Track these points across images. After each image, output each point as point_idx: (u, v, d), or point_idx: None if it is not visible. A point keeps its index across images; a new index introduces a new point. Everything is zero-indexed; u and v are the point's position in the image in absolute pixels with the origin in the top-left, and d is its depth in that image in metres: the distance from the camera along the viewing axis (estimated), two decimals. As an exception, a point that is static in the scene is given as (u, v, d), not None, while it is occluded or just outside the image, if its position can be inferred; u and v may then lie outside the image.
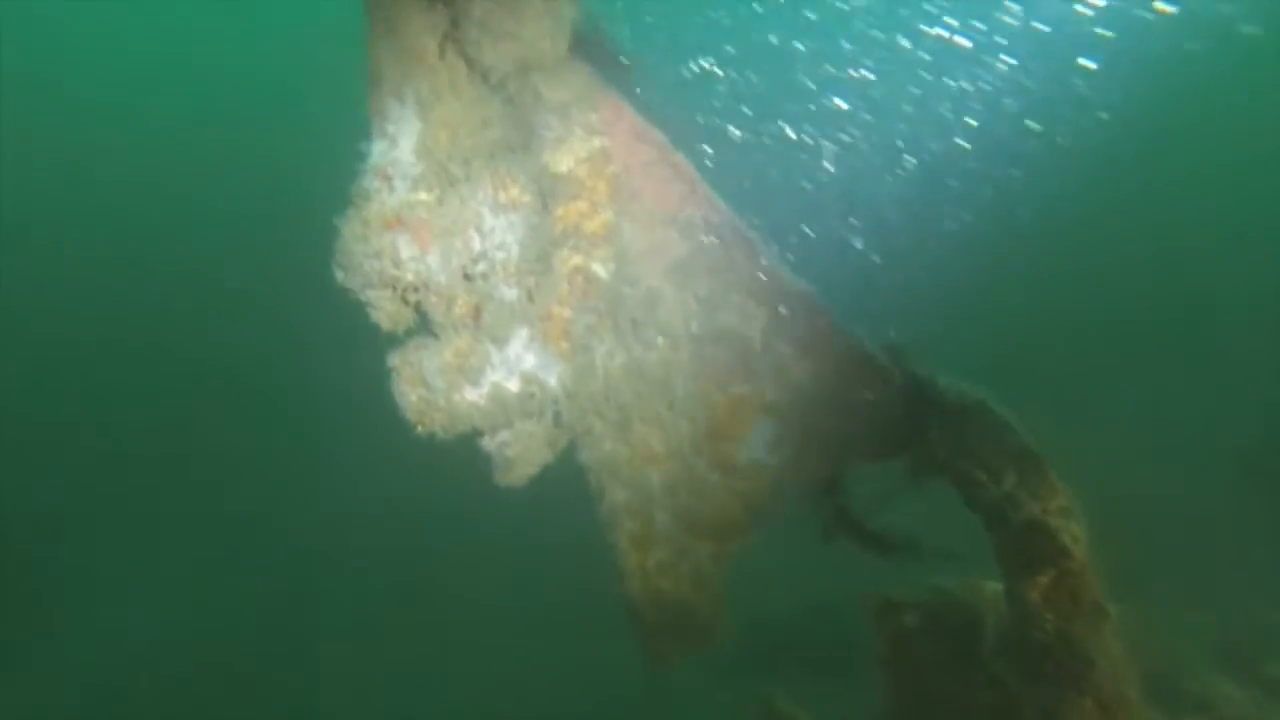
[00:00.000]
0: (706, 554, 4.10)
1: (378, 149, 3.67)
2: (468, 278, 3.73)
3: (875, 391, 4.07)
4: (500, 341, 3.77)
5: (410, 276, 3.63)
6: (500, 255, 3.76)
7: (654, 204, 3.92)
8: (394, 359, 3.75)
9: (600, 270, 3.83)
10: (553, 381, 3.84)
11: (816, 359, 4.03)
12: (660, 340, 3.97)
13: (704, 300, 3.97)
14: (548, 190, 3.81)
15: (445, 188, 3.70)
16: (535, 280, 3.79)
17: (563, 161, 3.76)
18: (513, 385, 3.77)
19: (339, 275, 3.69)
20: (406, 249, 3.62)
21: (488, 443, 3.85)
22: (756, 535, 4.17)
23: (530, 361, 3.81)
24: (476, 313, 3.77)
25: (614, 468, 4.06)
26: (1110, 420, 14.66)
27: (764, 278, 3.92)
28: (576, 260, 3.80)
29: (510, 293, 3.77)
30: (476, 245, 3.70)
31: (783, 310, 3.96)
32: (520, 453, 3.84)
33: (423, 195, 3.65)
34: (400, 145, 3.67)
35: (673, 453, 4.06)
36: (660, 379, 4.00)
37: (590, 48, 3.86)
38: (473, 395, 3.73)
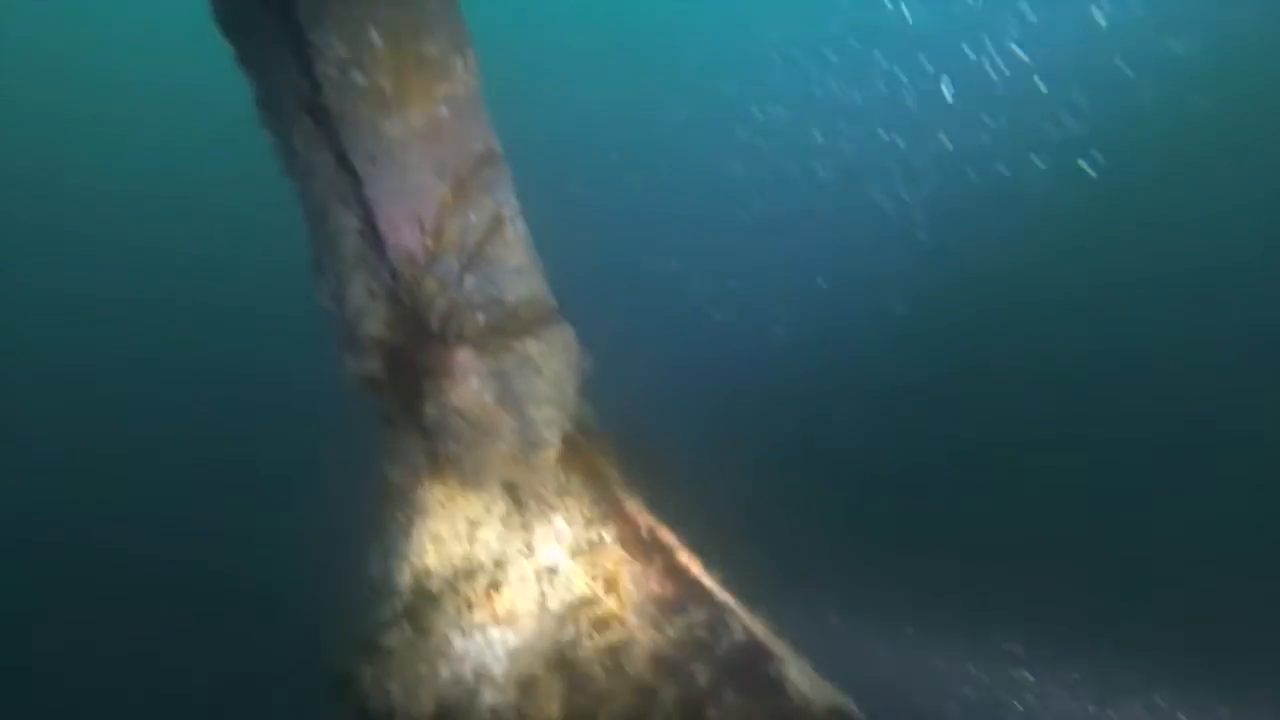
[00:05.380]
0: None
1: (373, 562, 3.87)
2: (440, 701, 3.76)
3: None
4: None
5: (373, 704, 3.67)
6: (476, 674, 3.81)
7: (661, 600, 4.08)
8: None
9: (607, 666, 4.00)
10: None
11: None
12: None
13: (720, 706, 3.88)
14: (552, 588, 4.06)
15: (423, 607, 3.78)
16: (524, 688, 3.90)
17: (568, 559, 4.05)
18: None
19: None
20: (368, 679, 3.68)
21: None
22: None
23: None
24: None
25: None
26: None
27: (789, 689, 3.81)
28: (582, 657, 3.99)
29: (491, 705, 3.83)
30: (444, 672, 3.76)
31: None
32: None
33: (395, 623, 3.74)
34: (390, 560, 3.83)
35: None
36: None
37: (588, 448, 4.07)
38: None
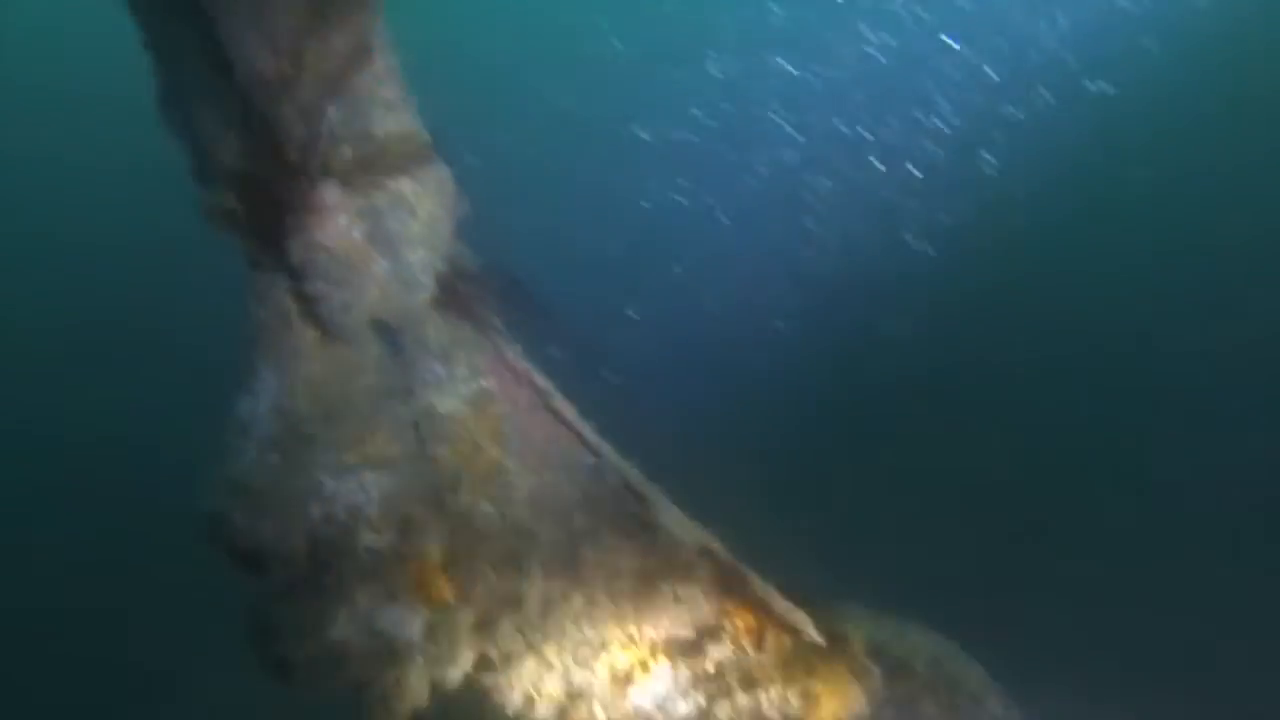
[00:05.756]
0: None
1: (242, 404, 3.64)
2: (313, 540, 3.69)
3: (786, 649, 4.05)
4: (347, 599, 3.76)
5: (243, 543, 3.58)
6: (350, 514, 3.75)
7: (539, 446, 4.06)
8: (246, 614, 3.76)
9: (486, 509, 4.00)
10: (413, 632, 3.84)
11: (724, 610, 4.06)
12: (546, 581, 4.02)
13: (598, 549, 4.01)
14: (430, 432, 3.93)
15: (295, 448, 3.64)
16: (402, 529, 3.87)
17: (447, 403, 3.96)
18: (362, 639, 3.76)
19: None
20: (241, 518, 3.57)
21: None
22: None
23: (385, 617, 3.81)
24: (324, 570, 3.74)
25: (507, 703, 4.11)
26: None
27: (661, 530, 3.96)
28: (462, 500, 3.97)
29: (367, 545, 3.80)
30: (316, 512, 3.67)
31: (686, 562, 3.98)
32: (389, 697, 3.84)
33: (265, 463, 3.60)
34: (261, 402, 3.62)
35: (571, 693, 4.10)
36: (540, 615, 4.02)
37: (465, 292, 3.95)
38: (316, 649, 3.72)
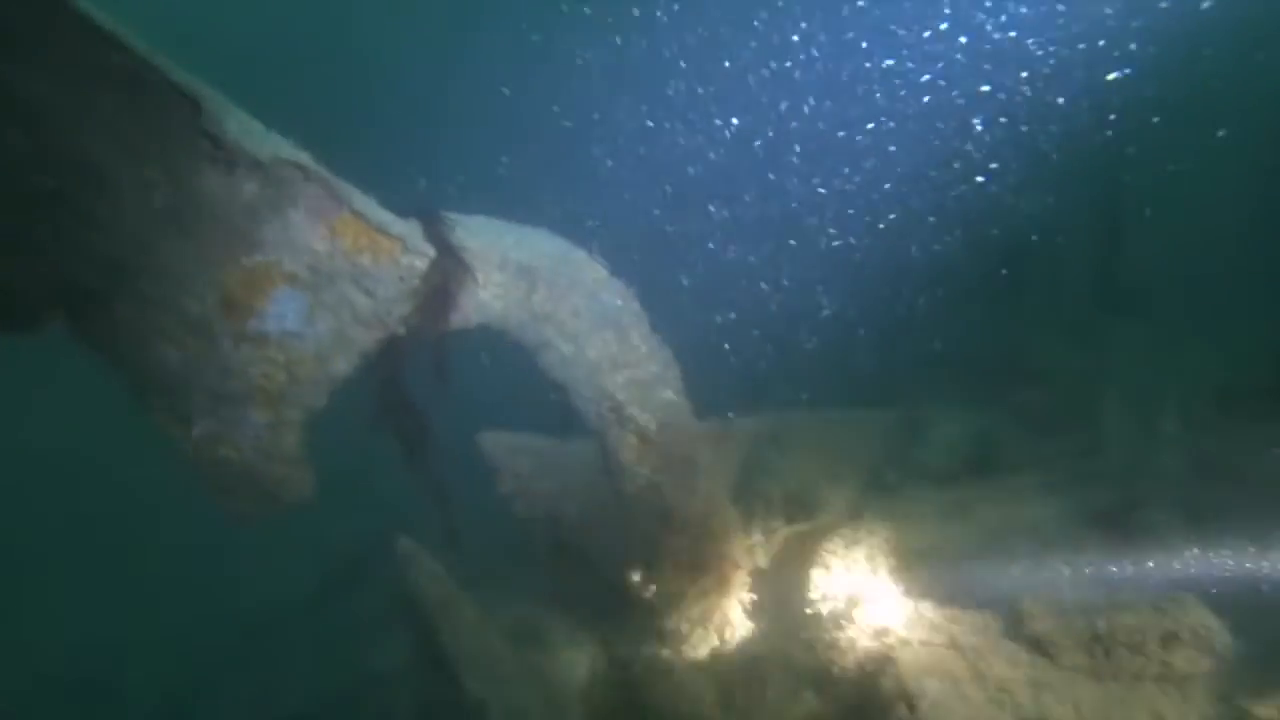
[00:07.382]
0: (262, 422, 3.96)
1: None
2: None
3: (400, 261, 3.95)
4: None
5: None
6: None
7: (65, 60, 3.32)
8: None
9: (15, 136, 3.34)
10: None
11: (332, 229, 3.84)
12: (124, 225, 3.52)
13: (166, 173, 3.51)
14: None
15: None
16: None
17: None
18: None
19: None
20: None
21: None
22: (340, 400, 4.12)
23: None
24: None
25: (120, 355, 3.73)
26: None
27: (226, 146, 3.52)
28: None
29: None
30: None
31: (271, 179, 3.66)
32: None
33: None
34: None
35: (191, 331, 3.76)
36: (144, 263, 3.58)
37: None
38: None
